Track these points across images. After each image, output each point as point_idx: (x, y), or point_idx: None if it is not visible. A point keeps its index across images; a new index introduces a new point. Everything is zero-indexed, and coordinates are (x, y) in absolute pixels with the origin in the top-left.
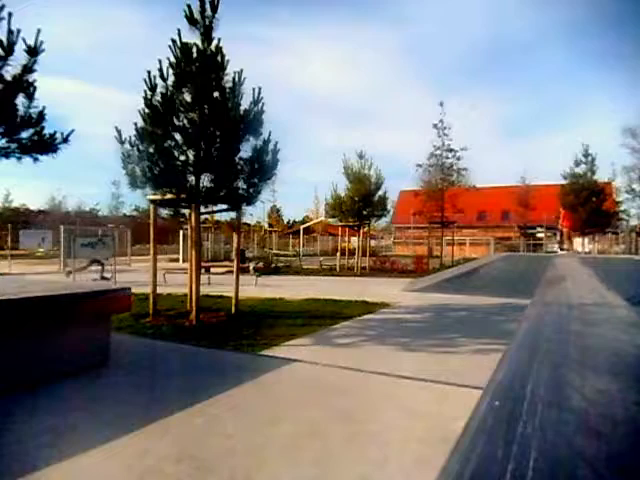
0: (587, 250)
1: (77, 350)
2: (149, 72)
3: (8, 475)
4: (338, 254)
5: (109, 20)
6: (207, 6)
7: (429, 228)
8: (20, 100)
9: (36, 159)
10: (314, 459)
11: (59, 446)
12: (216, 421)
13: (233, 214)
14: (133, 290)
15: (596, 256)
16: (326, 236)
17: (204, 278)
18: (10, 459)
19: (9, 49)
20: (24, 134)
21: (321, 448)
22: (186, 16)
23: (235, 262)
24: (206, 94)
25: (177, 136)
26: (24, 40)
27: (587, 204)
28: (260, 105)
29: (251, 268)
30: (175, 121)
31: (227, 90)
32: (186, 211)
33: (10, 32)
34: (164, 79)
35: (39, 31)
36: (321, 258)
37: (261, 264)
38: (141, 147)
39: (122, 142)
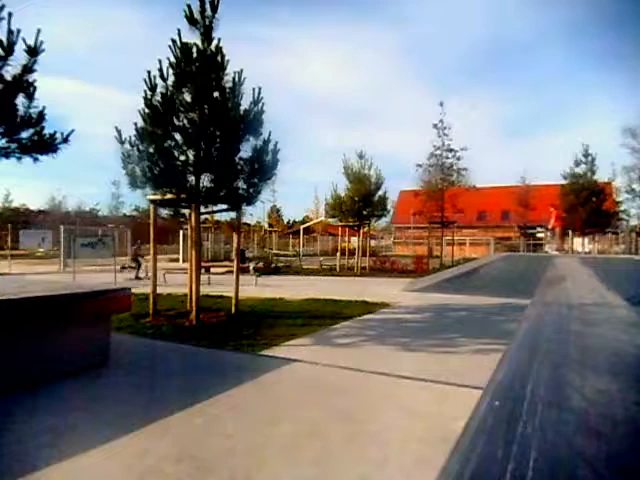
0: (587, 250)
1: (77, 350)
2: (149, 72)
3: (8, 475)
4: (338, 254)
5: (109, 20)
6: (207, 6)
7: (429, 228)
8: (20, 100)
9: (36, 159)
10: (314, 459)
11: (59, 446)
12: (216, 421)
13: (233, 214)
14: (133, 290)
15: (596, 256)
16: (326, 236)
17: (204, 278)
18: (10, 459)
19: (9, 49)
20: (24, 134)
21: (321, 448)
22: (186, 16)
23: (235, 262)
24: (206, 94)
25: (177, 136)
26: (24, 40)
27: (587, 204)
28: (260, 105)
29: (251, 268)
30: (175, 121)
31: (227, 90)
32: (186, 211)
33: (10, 32)
34: (164, 79)
35: (39, 31)
36: (321, 258)
37: (261, 264)
38: (141, 147)
39: (122, 142)
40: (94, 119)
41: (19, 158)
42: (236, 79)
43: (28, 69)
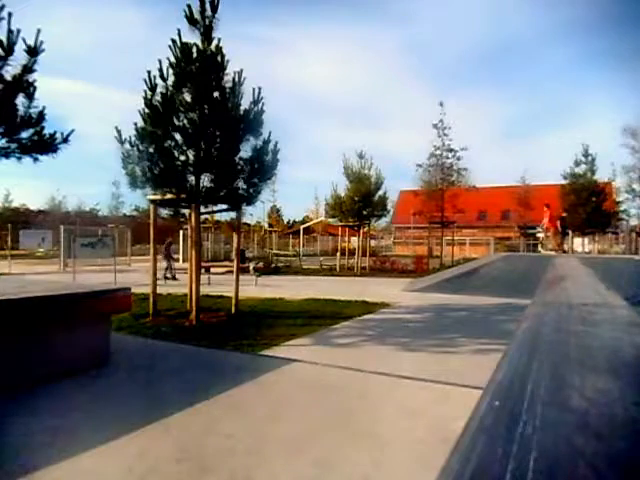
0: (587, 250)
1: (77, 350)
2: (149, 72)
3: (8, 475)
4: (338, 254)
5: (109, 20)
6: (207, 6)
7: (429, 228)
8: (20, 100)
9: (36, 159)
10: (314, 459)
11: (59, 446)
12: (216, 421)
13: (233, 214)
14: (133, 290)
15: (594, 256)
16: (326, 236)
17: (204, 278)
18: (10, 459)
19: (9, 49)
20: (24, 134)
21: (321, 448)
22: (186, 16)
23: (235, 262)
24: (206, 94)
25: (177, 136)
26: (24, 40)
27: (587, 204)
28: (260, 105)
29: (251, 268)
30: (175, 121)
31: (227, 90)
32: (186, 211)
33: (10, 32)
34: (164, 79)
35: (39, 31)
36: (321, 258)
37: (261, 264)
38: (141, 147)
39: (122, 142)
40: (94, 119)
41: (19, 158)
42: (236, 79)
43: (28, 69)
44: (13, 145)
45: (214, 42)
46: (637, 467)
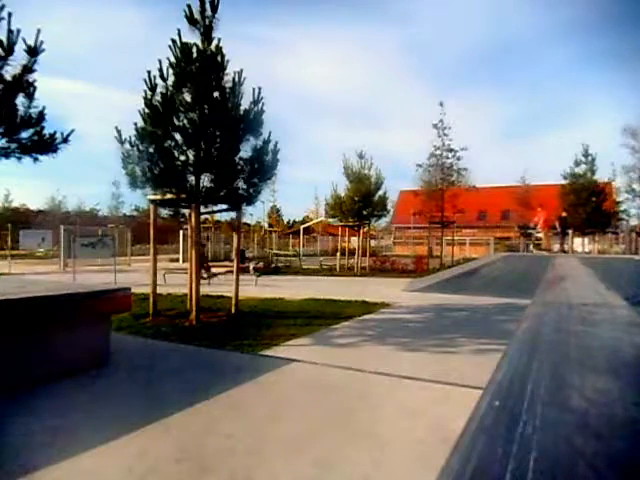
0: (587, 250)
1: (77, 350)
2: (149, 72)
3: (8, 475)
4: (338, 254)
5: (109, 20)
6: (207, 6)
7: (429, 228)
8: (20, 100)
9: (36, 159)
10: (314, 459)
11: (59, 446)
12: (216, 421)
13: (233, 214)
14: (133, 290)
15: (593, 256)
16: (326, 236)
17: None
18: (10, 459)
19: (9, 49)
20: (24, 134)
21: (321, 448)
22: (186, 16)
23: (235, 262)
24: (206, 94)
25: (177, 136)
26: (24, 40)
27: (587, 204)
28: (260, 105)
29: (251, 268)
30: (175, 121)
31: (227, 90)
32: (186, 211)
33: (10, 32)
34: (164, 79)
35: (39, 31)
36: (321, 258)
37: (261, 264)
38: (141, 147)
39: (122, 142)
40: (94, 119)
41: (19, 158)
42: (236, 79)
43: (28, 69)
44: (13, 145)
45: (214, 42)
46: (637, 467)
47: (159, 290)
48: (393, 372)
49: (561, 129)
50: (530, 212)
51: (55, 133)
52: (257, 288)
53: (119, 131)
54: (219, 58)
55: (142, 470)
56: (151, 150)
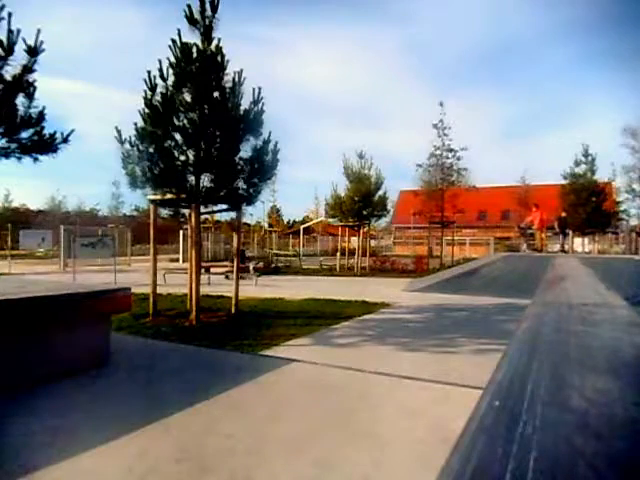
0: (587, 250)
1: (77, 350)
2: (149, 72)
3: (8, 475)
4: (338, 254)
5: (109, 20)
6: (207, 6)
7: (429, 228)
8: (20, 100)
9: (36, 159)
10: (314, 459)
11: (59, 446)
12: (216, 421)
13: (233, 214)
14: (133, 290)
15: (596, 256)
16: (326, 236)
17: (204, 278)
18: (10, 459)
19: (9, 49)
20: (24, 134)
21: (321, 448)
22: (186, 16)
23: (235, 262)
24: (206, 94)
25: (177, 136)
26: (24, 40)
27: (587, 204)
28: (260, 105)
29: (251, 268)
30: (175, 121)
31: (227, 90)
32: (186, 211)
33: (10, 32)
34: (164, 79)
35: (39, 31)
36: (321, 258)
37: (261, 264)
38: (141, 147)
39: (122, 142)
40: (94, 119)
41: (19, 158)
42: (236, 79)
43: (28, 69)
44: (13, 145)
45: (214, 42)
46: (637, 467)
47: (159, 290)
48: (393, 372)
49: (561, 129)
50: (530, 212)
51: (55, 133)
52: (257, 288)
53: (119, 131)
54: (219, 58)
55: (142, 470)
56: (151, 150)
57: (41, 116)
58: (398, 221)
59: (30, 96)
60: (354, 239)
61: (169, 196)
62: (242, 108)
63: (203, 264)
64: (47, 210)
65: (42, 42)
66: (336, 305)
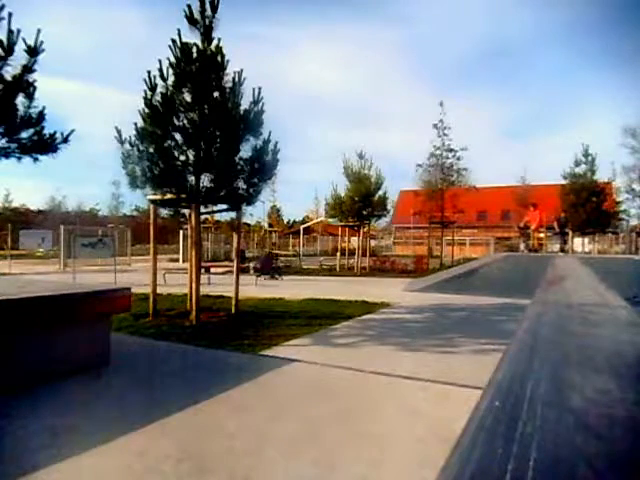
0: (587, 250)
1: (77, 350)
2: (149, 72)
3: (8, 475)
4: (338, 254)
5: (109, 20)
6: (207, 6)
7: (429, 228)
8: (20, 100)
9: (36, 159)
10: (314, 459)
11: (59, 446)
12: (216, 421)
13: (233, 214)
14: (133, 290)
15: (596, 256)
16: (326, 236)
17: (204, 278)
18: (10, 459)
19: (9, 49)
20: (24, 134)
21: (321, 448)
22: (186, 16)
23: (235, 262)
24: (206, 94)
25: (177, 136)
26: (24, 40)
27: (587, 204)
28: (260, 105)
29: (251, 268)
30: (175, 121)
31: (227, 90)
32: (186, 211)
33: (10, 32)
34: (164, 79)
35: (39, 31)
36: (321, 258)
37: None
38: (141, 147)
39: (122, 142)
40: (94, 119)
41: (19, 158)
42: (236, 79)
43: (28, 69)
44: (13, 145)
45: (214, 42)
46: (637, 467)
47: (159, 290)
48: (393, 372)
49: (561, 129)
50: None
51: (55, 133)
52: (257, 288)
53: (119, 131)
54: (219, 58)
55: (142, 470)
56: (151, 150)
57: (41, 116)
58: (398, 221)
59: (30, 96)
60: (354, 239)
61: (169, 196)
62: (242, 108)
63: (203, 264)
64: (47, 210)
65: (42, 42)
66: (336, 305)
